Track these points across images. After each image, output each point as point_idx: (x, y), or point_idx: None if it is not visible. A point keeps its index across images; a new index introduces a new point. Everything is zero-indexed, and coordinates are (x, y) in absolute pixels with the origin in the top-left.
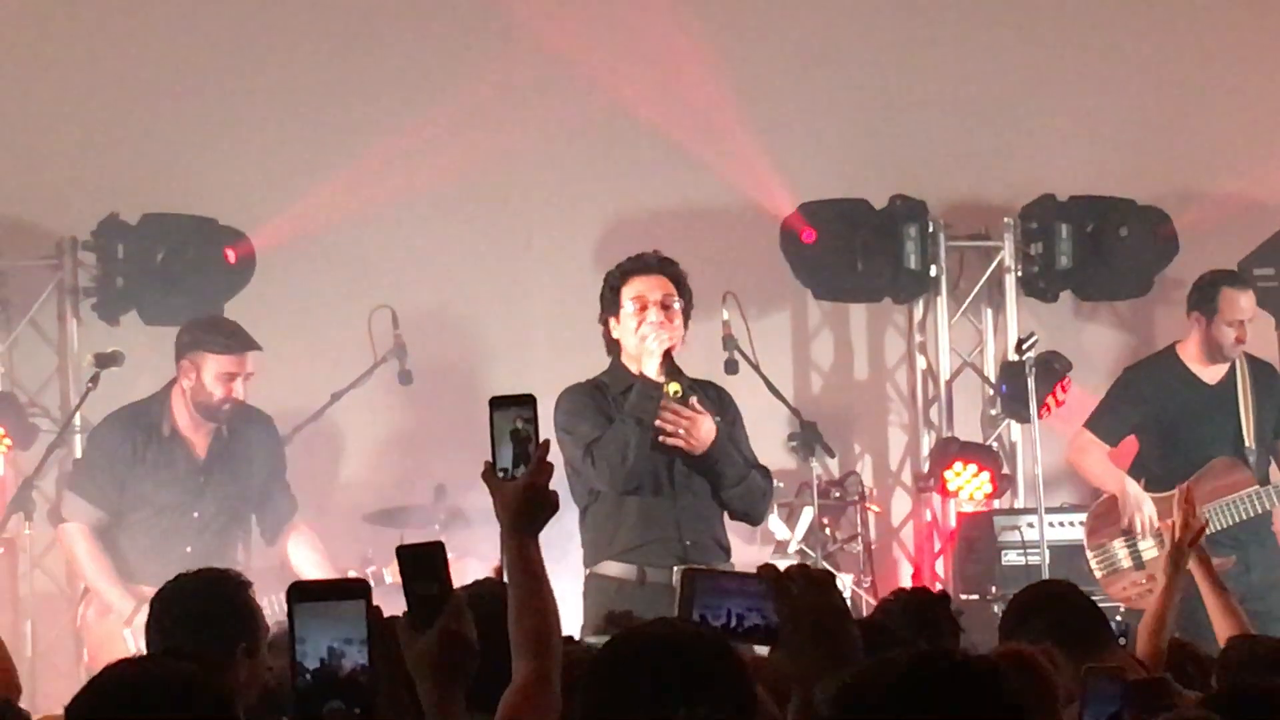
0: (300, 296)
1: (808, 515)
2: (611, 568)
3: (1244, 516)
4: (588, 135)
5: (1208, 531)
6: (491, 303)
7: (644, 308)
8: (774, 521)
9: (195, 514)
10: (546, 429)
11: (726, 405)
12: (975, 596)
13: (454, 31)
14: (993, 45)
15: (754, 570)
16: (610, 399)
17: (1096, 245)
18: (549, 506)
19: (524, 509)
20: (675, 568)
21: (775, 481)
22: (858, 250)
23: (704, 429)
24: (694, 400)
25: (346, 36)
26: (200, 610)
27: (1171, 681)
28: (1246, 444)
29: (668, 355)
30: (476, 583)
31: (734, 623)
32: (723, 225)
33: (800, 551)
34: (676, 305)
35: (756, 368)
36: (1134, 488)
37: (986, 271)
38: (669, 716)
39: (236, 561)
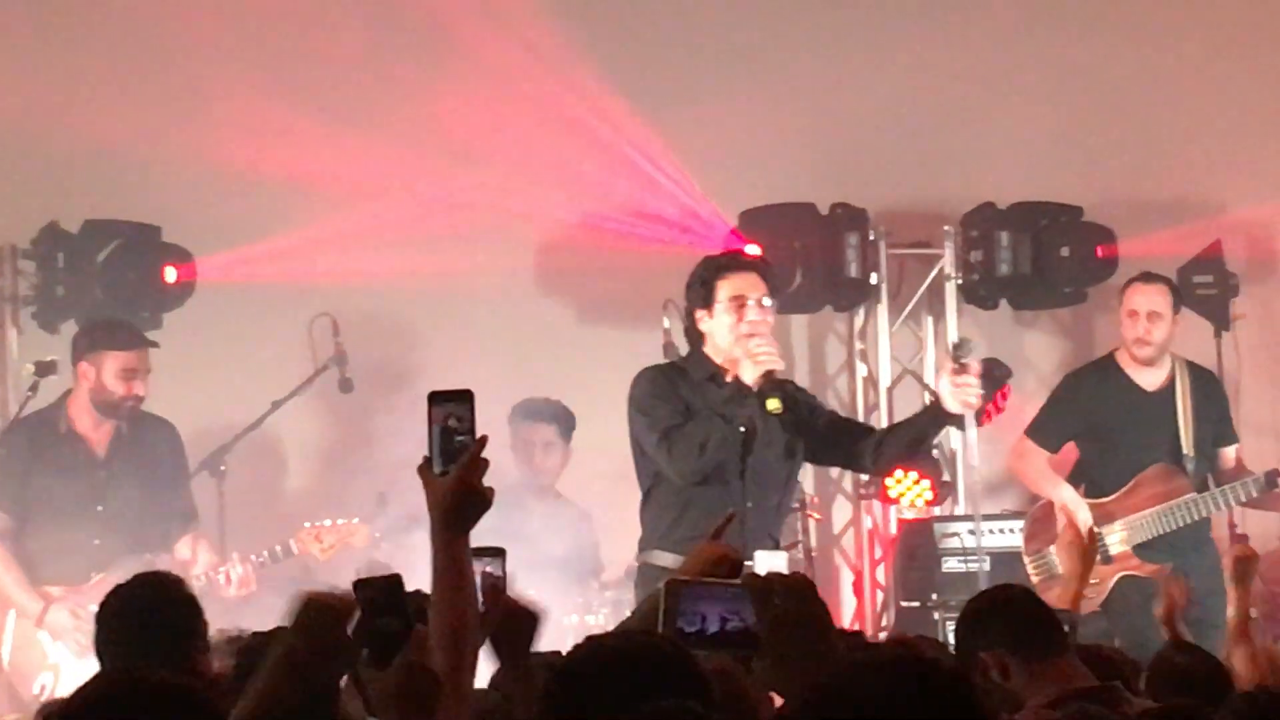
0: (241, 304)
1: None
2: (663, 558)
3: (1181, 523)
4: (529, 142)
5: (1146, 538)
6: (434, 310)
7: (742, 305)
8: None
9: (99, 508)
10: (484, 425)
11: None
12: (916, 604)
13: (394, 41)
14: (933, 53)
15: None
16: (690, 384)
17: (1036, 255)
18: (481, 504)
19: (454, 505)
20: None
21: None
22: (798, 260)
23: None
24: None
25: (286, 45)
26: (149, 613)
27: (1121, 689)
28: (1185, 451)
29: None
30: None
31: (717, 628)
32: (664, 232)
33: None
34: (769, 303)
35: None
36: (1070, 494)
37: (927, 279)
38: None
39: (146, 557)
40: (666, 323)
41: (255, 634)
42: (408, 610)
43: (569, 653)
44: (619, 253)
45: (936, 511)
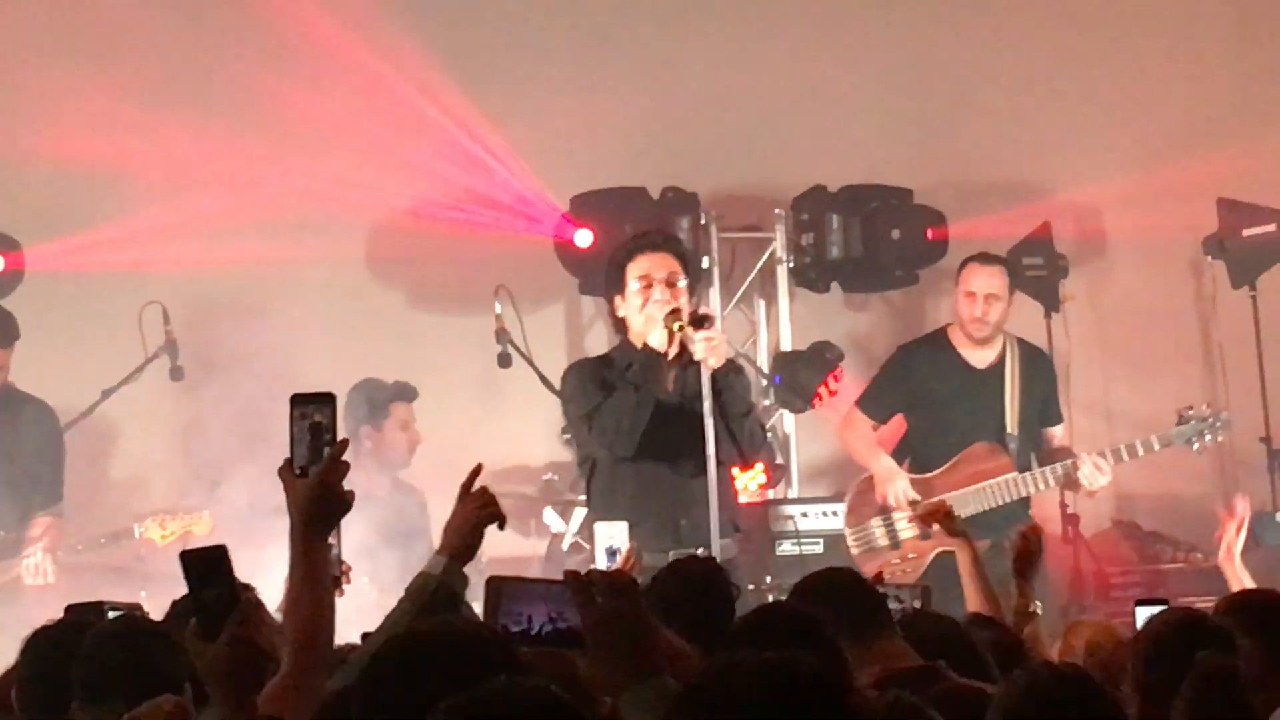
0: (70, 293)
1: (582, 509)
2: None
3: (1000, 502)
4: (359, 128)
5: (965, 515)
6: (265, 297)
7: (649, 285)
8: (549, 514)
9: None
10: (344, 428)
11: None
12: (751, 586)
13: (220, 28)
14: (762, 37)
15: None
16: (616, 372)
17: (867, 238)
18: (341, 505)
19: (314, 506)
20: (670, 552)
21: (553, 475)
22: None
23: (724, 350)
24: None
25: (113, 35)
26: None
27: (944, 668)
28: (1008, 429)
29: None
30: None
31: (537, 628)
32: (494, 218)
33: (575, 544)
34: (681, 283)
35: (530, 361)
36: (888, 463)
37: (759, 263)
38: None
39: (2, 535)
40: (498, 308)
41: (45, 628)
42: (234, 581)
43: (385, 641)
44: (450, 238)
45: (771, 495)
